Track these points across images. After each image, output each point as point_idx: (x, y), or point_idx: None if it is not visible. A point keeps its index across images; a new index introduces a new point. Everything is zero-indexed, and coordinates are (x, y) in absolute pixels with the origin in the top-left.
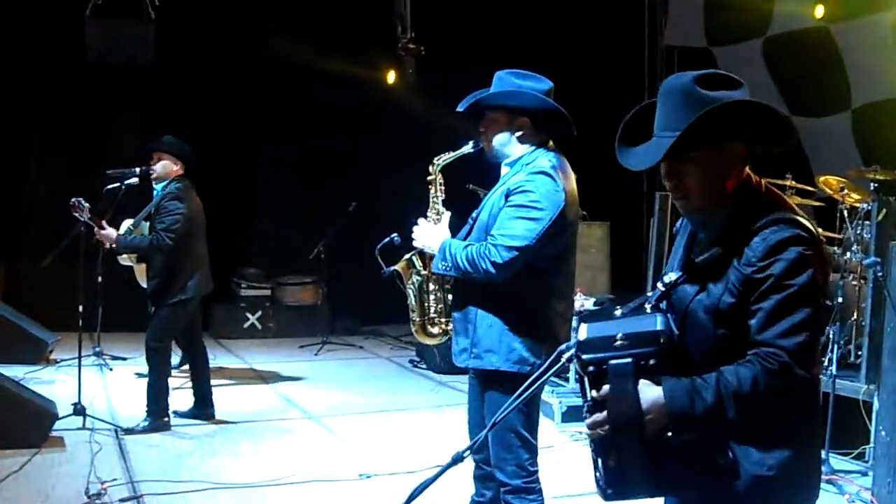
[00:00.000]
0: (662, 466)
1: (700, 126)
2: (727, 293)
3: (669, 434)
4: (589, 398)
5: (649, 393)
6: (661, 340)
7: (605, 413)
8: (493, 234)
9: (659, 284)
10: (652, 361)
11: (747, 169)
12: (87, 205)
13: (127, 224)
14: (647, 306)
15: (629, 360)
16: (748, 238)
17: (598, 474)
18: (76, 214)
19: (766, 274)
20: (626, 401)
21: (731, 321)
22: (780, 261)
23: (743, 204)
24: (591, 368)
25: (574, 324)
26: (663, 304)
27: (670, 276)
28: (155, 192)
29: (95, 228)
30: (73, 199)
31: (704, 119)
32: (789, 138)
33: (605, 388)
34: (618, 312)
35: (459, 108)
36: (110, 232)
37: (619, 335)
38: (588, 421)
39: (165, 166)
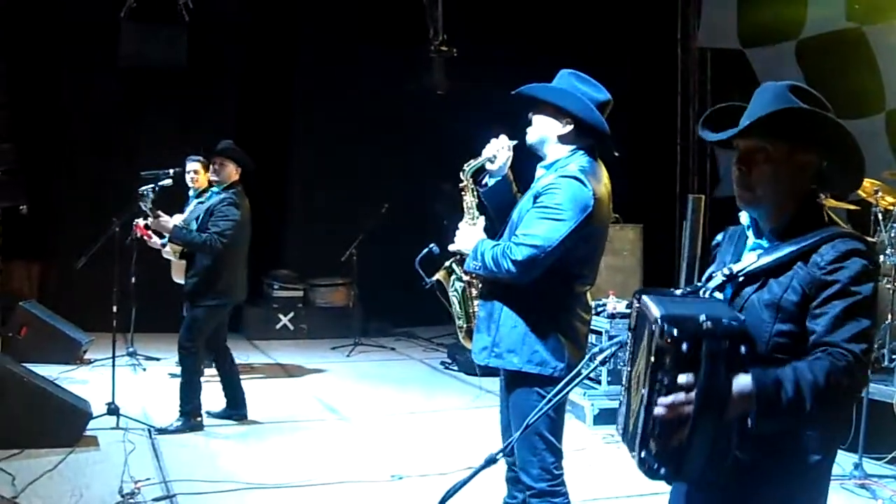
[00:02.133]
0: (720, 458)
1: (782, 117)
2: (790, 291)
3: (749, 424)
4: (668, 375)
5: (739, 381)
6: (745, 327)
7: (688, 394)
8: (517, 234)
9: (719, 274)
10: (744, 348)
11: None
12: (151, 195)
13: (180, 218)
14: (705, 294)
15: (727, 342)
16: (816, 247)
17: (644, 453)
18: (141, 204)
19: (834, 278)
20: (719, 385)
21: (791, 318)
22: (846, 268)
23: (805, 218)
24: (685, 346)
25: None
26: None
27: (731, 268)
28: (210, 194)
29: (151, 217)
30: (141, 189)
31: (789, 113)
32: (858, 179)
33: (698, 370)
34: (678, 292)
35: (513, 92)
36: (167, 221)
37: (702, 316)
38: (668, 399)
39: (230, 173)
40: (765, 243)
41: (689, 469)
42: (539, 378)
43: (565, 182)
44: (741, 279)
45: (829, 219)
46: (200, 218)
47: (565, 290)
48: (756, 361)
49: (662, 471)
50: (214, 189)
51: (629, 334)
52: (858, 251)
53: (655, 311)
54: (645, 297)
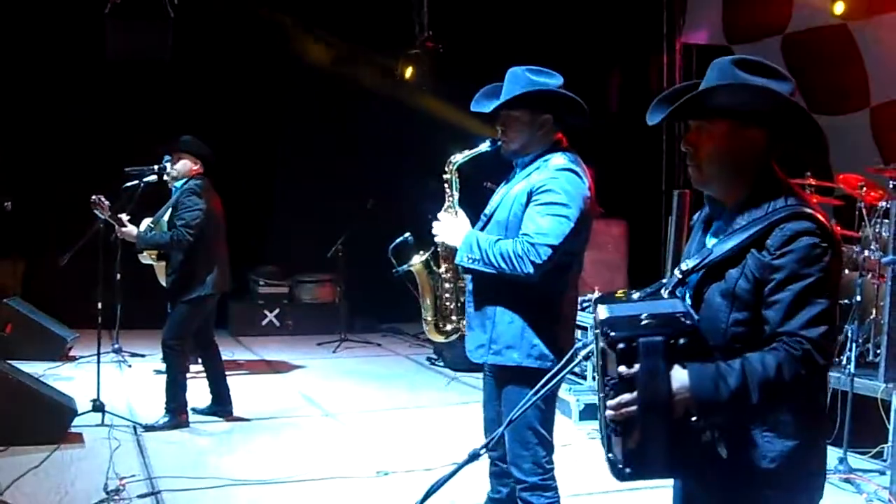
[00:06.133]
0: (683, 448)
1: (710, 95)
2: (743, 278)
3: (694, 419)
4: (615, 377)
5: (677, 376)
6: (686, 321)
7: (633, 393)
8: (528, 234)
9: (676, 271)
10: (682, 340)
11: (774, 164)
12: (107, 202)
13: (147, 222)
14: (664, 292)
15: (661, 337)
16: (768, 231)
17: (611, 455)
18: (97, 212)
19: (782, 263)
20: (657, 379)
21: (746, 306)
22: (794, 251)
23: (761, 194)
24: (621, 346)
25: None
26: (680, 291)
27: (687, 264)
28: (173, 190)
29: (116, 226)
30: (94, 197)
31: (716, 90)
32: (818, 141)
33: (636, 366)
34: (635, 296)
35: (485, 111)
36: (131, 229)
37: (644, 315)
38: (613, 402)
39: (185, 165)
40: (721, 225)
41: (651, 467)
42: (537, 372)
43: (564, 175)
44: (702, 272)
45: (786, 193)
46: (169, 219)
47: (559, 281)
48: (706, 354)
49: (627, 470)
50: (176, 185)
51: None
52: (807, 231)
53: (600, 315)
54: (599, 305)
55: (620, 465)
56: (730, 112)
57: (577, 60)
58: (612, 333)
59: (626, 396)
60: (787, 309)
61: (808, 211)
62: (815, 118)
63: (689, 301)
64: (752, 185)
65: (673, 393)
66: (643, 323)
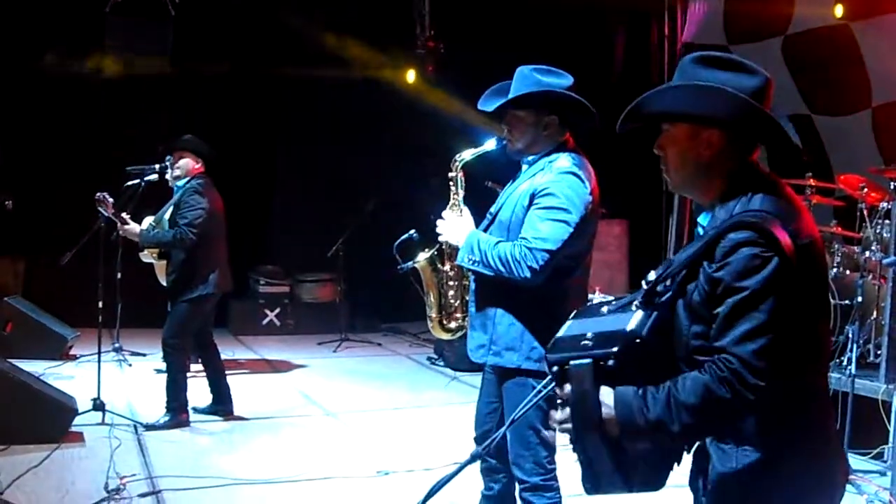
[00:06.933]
0: (630, 465)
1: (652, 100)
2: (696, 291)
3: (624, 442)
4: (558, 397)
5: (605, 400)
6: (625, 341)
7: (567, 411)
8: (527, 238)
9: (643, 283)
10: (610, 363)
11: (755, 163)
12: (111, 200)
13: (149, 220)
14: (634, 304)
15: (588, 360)
16: (716, 241)
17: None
18: (100, 209)
19: (720, 275)
20: (585, 402)
21: (701, 319)
22: (730, 263)
23: (730, 197)
24: (555, 369)
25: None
26: (660, 299)
27: (651, 275)
28: (175, 189)
29: (119, 224)
30: (98, 194)
31: (659, 94)
32: (779, 137)
33: (567, 387)
34: (604, 309)
35: (489, 109)
36: (133, 227)
37: (589, 334)
38: (552, 418)
39: (186, 164)
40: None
41: (606, 482)
42: (537, 374)
43: (565, 179)
44: (680, 278)
45: (756, 192)
46: (170, 218)
47: (561, 284)
48: (643, 373)
49: (587, 485)
50: (178, 184)
51: None
52: (746, 241)
53: (560, 332)
54: (569, 319)
55: (582, 479)
56: (686, 115)
57: (577, 59)
58: (549, 356)
59: (561, 414)
60: (721, 323)
61: (749, 219)
62: (770, 114)
63: (656, 313)
64: (727, 187)
65: (602, 416)
66: (582, 343)
